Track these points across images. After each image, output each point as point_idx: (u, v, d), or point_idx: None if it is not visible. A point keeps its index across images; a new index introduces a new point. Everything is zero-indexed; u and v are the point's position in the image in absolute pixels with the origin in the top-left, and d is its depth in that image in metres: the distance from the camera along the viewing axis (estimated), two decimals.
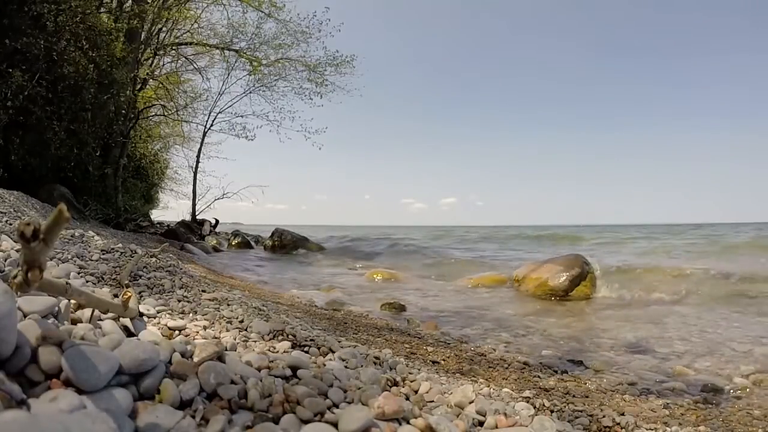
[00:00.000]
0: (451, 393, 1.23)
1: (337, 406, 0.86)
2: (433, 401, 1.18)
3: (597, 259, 5.75)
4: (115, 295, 1.37)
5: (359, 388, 0.96)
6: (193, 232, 11.07)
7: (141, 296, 1.59)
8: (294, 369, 0.98)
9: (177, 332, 1.21)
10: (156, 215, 15.79)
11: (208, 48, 12.24)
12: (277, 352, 1.21)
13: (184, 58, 12.59)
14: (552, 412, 1.36)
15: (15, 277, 0.58)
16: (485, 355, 2.42)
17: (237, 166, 28.68)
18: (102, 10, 8.89)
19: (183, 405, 0.71)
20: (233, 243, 11.95)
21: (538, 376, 2.06)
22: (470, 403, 1.13)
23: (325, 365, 1.15)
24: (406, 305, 3.92)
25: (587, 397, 1.77)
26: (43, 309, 0.86)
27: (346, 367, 1.21)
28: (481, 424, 1.03)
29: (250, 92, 13.27)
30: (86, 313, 1.01)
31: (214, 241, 11.32)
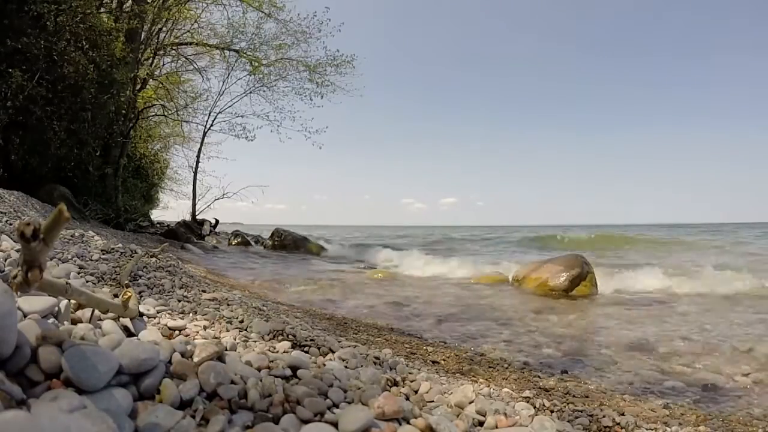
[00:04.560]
0: (451, 393, 1.23)
1: (337, 406, 0.86)
2: (433, 401, 1.18)
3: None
4: (115, 295, 1.37)
5: (359, 388, 0.96)
6: (193, 232, 11.07)
7: (141, 296, 1.59)
8: (294, 369, 0.98)
9: (177, 332, 1.21)
10: (156, 215, 15.79)
11: (208, 48, 12.23)
12: (277, 352, 1.21)
13: (184, 58, 12.58)
14: (552, 412, 1.36)
15: (15, 277, 0.58)
16: (485, 355, 2.42)
17: (237, 166, 28.66)
18: (102, 10, 8.88)
19: (183, 405, 0.71)
20: (233, 243, 11.95)
21: (538, 376, 2.06)
22: (470, 403, 1.13)
23: (325, 365, 1.15)
24: (406, 304, 3.92)
25: (587, 397, 1.77)
26: (43, 309, 0.86)
27: (346, 367, 1.21)
28: (481, 424, 1.03)
29: (251, 92, 13.27)
30: (86, 313, 1.01)
31: (214, 241, 11.33)
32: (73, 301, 0.96)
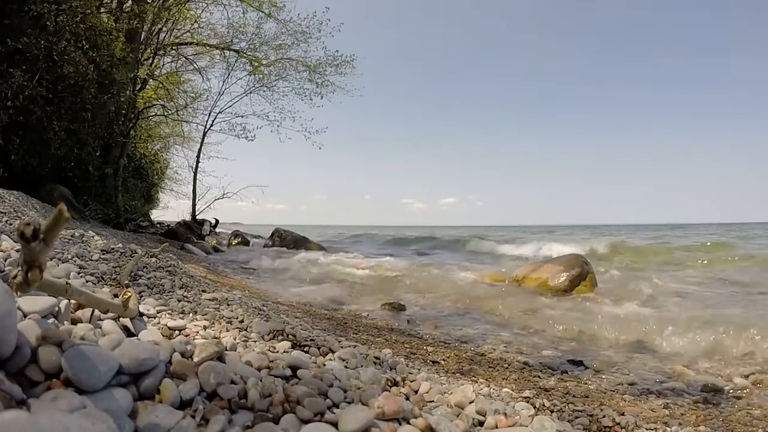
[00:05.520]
0: (451, 393, 1.23)
1: (337, 406, 0.86)
2: (433, 401, 1.18)
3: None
4: (115, 295, 1.37)
5: (359, 388, 0.96)
6: (193, 232, 11.06)
7: (141, 296, 1.59)
8: (294, 369, 0.98)
9: (177, 332, 1.21)
10: (156, 215, 15.80)
11: (208, 48, 12.23)
12: (277, 352, 1.21)
13: (184, 58, 12.58)
14: (552, 412, 1.36)
15: (15, 277, 0.58)
16: (485, 355, 2.42)
17: (237, 166, 28.73)
18: (102, 10, 8.88)
19: (183, 405, 0.71)
20: (233, 243, 11.96)
21: (538, 376, 2.07)
22: (470, 403, 1.13)
23: (325, 365, 1.15)
24: (406, 304, 3.92)
25: (587, 397, 1.77)
26: (43, 309, 0.86)
27: (346, 367, 1.21)
28: (481, 424, 1.03)
29: (250, 92, 13.27)
30: (86, 313, 1.01)
31: (214, 241, 11.33)
32: (73, 301, 0.96)
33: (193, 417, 0.67)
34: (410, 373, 1.43)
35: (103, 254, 2.17)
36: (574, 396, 1.75)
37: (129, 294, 1.19)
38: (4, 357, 0.60)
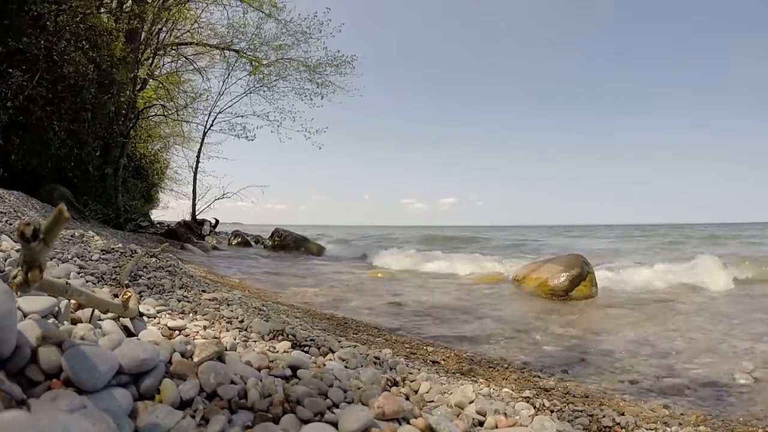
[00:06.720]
0: (451, 393, 1.23)
1: (337, 406, 0.86)
2: (433, 401, 1.18)
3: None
4: (115, 295, 1.37)
5: (359, 388, 0.96)
6: (193, 232, 11.07)
7: (141, 296, 1.59)
8: (294, 369, 0.98)
9: (177, 332, 1.21)
10: (156, 215, 15.82)
11: (208, 48, 12.25)
12: (277, 352, 1.21)
13: (184, 58, 12.59)
14: (552, 412, 1.36)
15: (15, 277, 0.58)
16: (485, 355, 2.42)
17: (237, 166, 28.78)
18: (102, 10, 8.88)
19: (183, 405, 0.71)
20: (233, 243, 11.96)
21: (538, 376, 2.07)
22: (470, 403, 1.13)
23: (325, 365, 1.15)
24: (406, 304, 3.92)
25: (587, 397, 1.77)
26: (43, 309, 0.86)
27: (346, 367, 1.21)
28: (481, 424, 1.03)
29: (251, 92, 13.30)
30: (86, 313, 1.01)
31: (214, 241, 11.33)
32: (73, 301, 0.96)
33: (193, 417, 0.67)
34: (410, 373, 1.43)
35: (103, 254, 2.17)
36: (574, 396, 1.75)
37: (129, 294, 1.19)
38: (4, 357, 0.60)
